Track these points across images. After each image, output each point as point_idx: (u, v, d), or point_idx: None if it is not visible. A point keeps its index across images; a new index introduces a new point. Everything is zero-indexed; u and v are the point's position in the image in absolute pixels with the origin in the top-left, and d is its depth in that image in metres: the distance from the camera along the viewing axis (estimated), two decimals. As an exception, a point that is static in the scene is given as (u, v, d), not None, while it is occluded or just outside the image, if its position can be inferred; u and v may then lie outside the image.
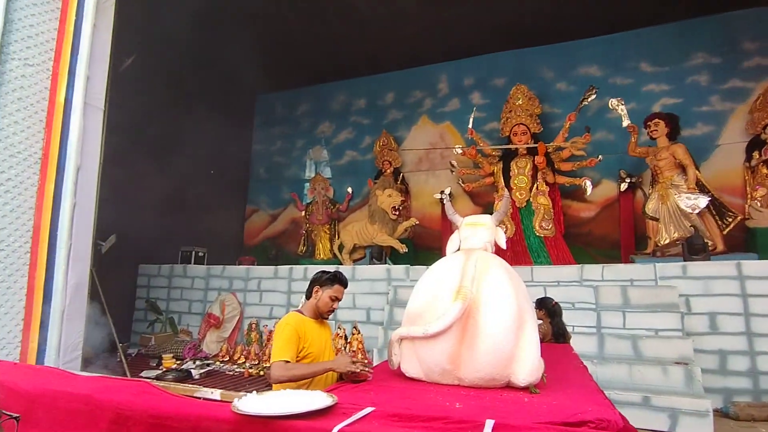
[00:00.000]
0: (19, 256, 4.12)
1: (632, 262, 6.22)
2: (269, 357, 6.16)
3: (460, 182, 7.91)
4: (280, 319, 7.12)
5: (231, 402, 1.11)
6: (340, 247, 8.32)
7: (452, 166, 7.86)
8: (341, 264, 7.87)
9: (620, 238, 7.27)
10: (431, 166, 8.90)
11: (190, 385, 1.17)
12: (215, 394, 1.23)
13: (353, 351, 5.82)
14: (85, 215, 4.45)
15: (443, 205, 7.57)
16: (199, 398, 1.22)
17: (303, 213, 9.19)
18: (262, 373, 5.81)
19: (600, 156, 6.91)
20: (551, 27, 7.75)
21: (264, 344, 6.60)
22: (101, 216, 4.83)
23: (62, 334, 4.15)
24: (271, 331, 6.61)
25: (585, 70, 8.04)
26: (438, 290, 1.88)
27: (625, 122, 6.54)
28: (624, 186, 7.05)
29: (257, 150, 10.90)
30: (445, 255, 2.19)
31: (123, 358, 5.98)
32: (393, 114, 9.45)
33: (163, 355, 6.32)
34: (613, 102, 6.62)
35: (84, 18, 4.45)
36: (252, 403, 1.09)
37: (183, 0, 6.38)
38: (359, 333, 6.03)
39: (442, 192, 7.66)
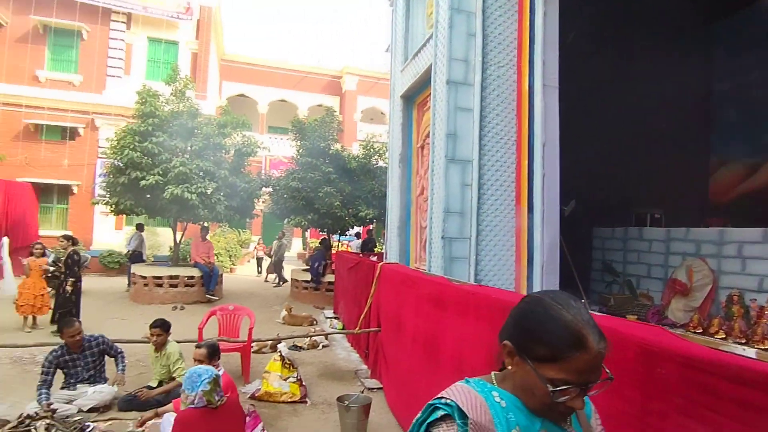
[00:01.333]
0: (507, 221, 5.21)
1: None
2: (762, 338, 5.09)
3: None
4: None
5: (776, 362, 1.00)
6: None
7: None
8: None
9: None
10: None
11: (712, 338, 1.13)
12: (748, 351, 1.14)
13: None
14: (552, 184, 5.08)
15: None
16: (726, 352, 1.17)
17: (801, 158, 6.94)
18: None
19: None
20: None
21: (752, 321, 5.48)
22: (562, 182, 5.37)
23: (543, 285, 4.95)
24: (762, 307, 5.41)
25: None
26: None
27: None
28: None
29: (720, 88, 9.01)
30: None
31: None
32: None
33: (627, 316, 6.39)
34: None
35: (536, 12, 5.03)
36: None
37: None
38: None
39: None
